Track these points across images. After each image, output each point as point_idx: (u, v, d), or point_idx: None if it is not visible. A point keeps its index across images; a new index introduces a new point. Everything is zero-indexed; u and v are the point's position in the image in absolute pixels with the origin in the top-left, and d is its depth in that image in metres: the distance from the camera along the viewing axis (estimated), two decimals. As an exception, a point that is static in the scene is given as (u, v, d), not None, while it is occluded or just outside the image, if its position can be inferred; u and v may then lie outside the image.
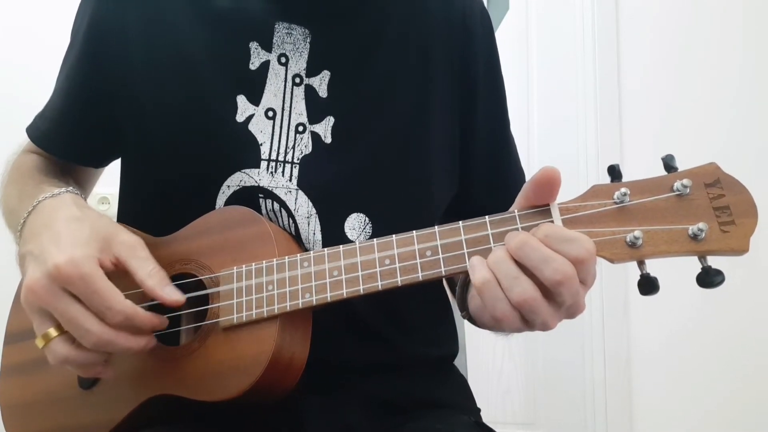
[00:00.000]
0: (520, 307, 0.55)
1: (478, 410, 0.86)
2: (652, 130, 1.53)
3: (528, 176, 0.89)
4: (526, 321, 0.57)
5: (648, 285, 0.55)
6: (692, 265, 0.55)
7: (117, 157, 0.88)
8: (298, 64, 0.78)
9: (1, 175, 0.85)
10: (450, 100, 0.83)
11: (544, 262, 0.54)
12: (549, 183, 0.58)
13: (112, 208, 1.65)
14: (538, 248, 0.55)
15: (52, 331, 0.65)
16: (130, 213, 0.83)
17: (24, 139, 0.87)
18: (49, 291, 0.63)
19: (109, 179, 0.95)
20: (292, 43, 0.78)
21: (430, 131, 0.81)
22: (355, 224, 0.76)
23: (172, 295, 0.66)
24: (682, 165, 0.58)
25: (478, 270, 0.57)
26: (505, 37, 2.31)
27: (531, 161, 2.02)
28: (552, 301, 0.55)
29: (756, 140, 1.20)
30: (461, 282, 0.71)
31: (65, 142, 0.85)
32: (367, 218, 0.76)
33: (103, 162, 0.90)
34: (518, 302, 0.55)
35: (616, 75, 1.67)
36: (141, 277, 0.66)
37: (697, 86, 1.37)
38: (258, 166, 0.75)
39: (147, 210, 0.80)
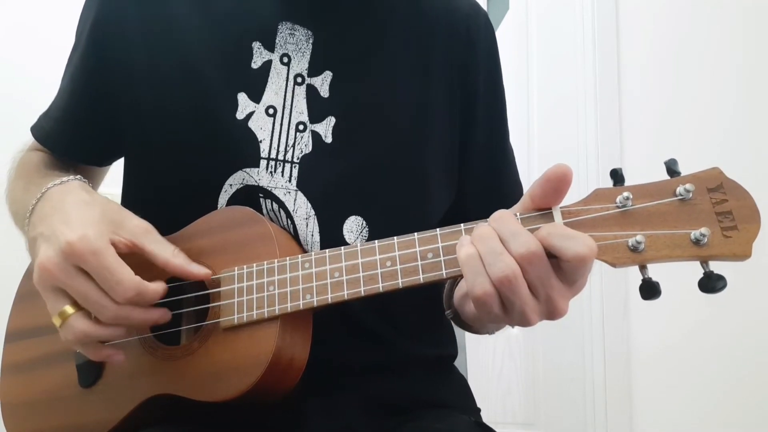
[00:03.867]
0: (500, 283, 0.55)
1: (478, 410, 0.86)
2: (652, 130, 1.53)
3: (527, 179, 0.89)
4: (505, 307, 0.57)
5: (650, 290, 0.55)
6: (692, 267, 0.55)
7: (120, 156, 0.88)
8: (300, 64, 0.78)
9: (7, 171, 0.85)
10: (450, 108, 0.83)
11: (512, 235, 0.55)
12: (560, 180, 0.57)
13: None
14: (511, 222, 0.56)
15: (69, 308, 0.65)
16: (133, 210, 0.83)
17: (29, 139, 0.88)
18: (62, 269, 0.63)
19: (109, 179, 0.95)
20: (295, 44, 0.78)
21: (429, 137, 0.81)
22: (353, 227, 0.76)
23: (200, 270, 0.68)
24: (681, 164, 0.57)
25: (465, 246, 0.57)
26: (505, 37, 2.31)
27: (531, 161, 2.03)
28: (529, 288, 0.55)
29: (755, 140, 1.20)
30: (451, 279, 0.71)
31: (68, 141, 0.85)
32: (364, 221, 0.76)
33: (106, 161, 0.91)
34: (499, 278, 0.54)
35: (616, 75, 1.67)
36: (165, 258, 0.67)
37: (697, 86, 1.37)
38: (258, 165, 0.75)
39: (150, 208, 0.80)
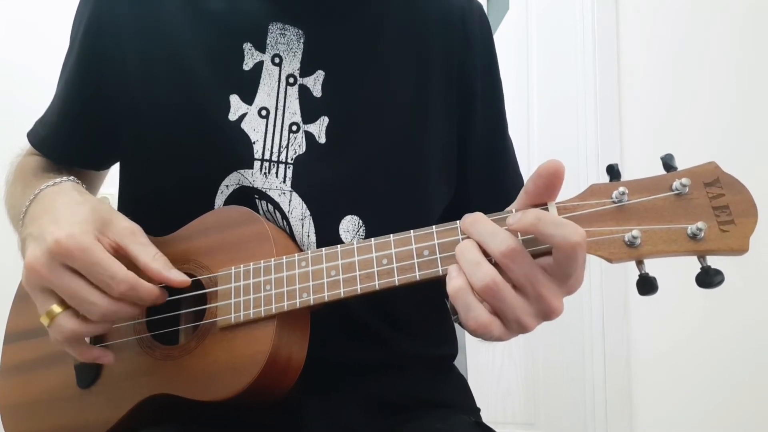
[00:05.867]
0: (483, 294, 0.54)
1: (478, 410, 0.86)
2: (652, 130, 1.53)
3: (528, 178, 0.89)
4: (503, 323, 0.56)
5: (646, 285, 0.54)
6: (692, 266, 0.55)
7: (117, 160, 0.88)
8: (292, 64, 0.78)
9: (5, 176, 0.86)
10: (447, 104, 0.83)
11: (491, 235, 0.55)
12: (552, 175, 0.56)
13: (112, 208, 1.64)
14: (487, 223, 0.56)
15: (56, 308, 0.64)
16: (129, 213, 0.83)
17: (27, 143, 0.88)
18: (49, 268, 0.63)
19: (108, 179, 0.95)
20: (286, 44, 0.78)
21: (426, 134, 0.81)
22: (350, 226, 0.76)
23: (178, 277, 0.67)
24: (681, 163, 0.57)
25: (453, 278, 0.56)
26: (505, 37, 2.31)
27: (531, 161, 2.02)
28: (517, 290, 0.55)
29: (755, 139, 1.20)
30: None
31: (64, 146, 0.85)
32: (360, 221, 0.76)
33: (103, 165, 0.91)
34: (481, 288, 0.54)
35: (616, 75, 1.67)
36: (145, 261, 0.66)
37: (697, 85, 1.37)
38: (251, 167, 0.75)
39: (146, 210, 0.80)
